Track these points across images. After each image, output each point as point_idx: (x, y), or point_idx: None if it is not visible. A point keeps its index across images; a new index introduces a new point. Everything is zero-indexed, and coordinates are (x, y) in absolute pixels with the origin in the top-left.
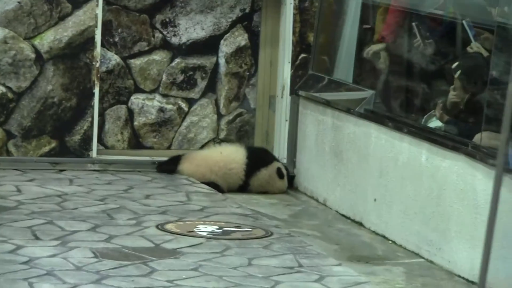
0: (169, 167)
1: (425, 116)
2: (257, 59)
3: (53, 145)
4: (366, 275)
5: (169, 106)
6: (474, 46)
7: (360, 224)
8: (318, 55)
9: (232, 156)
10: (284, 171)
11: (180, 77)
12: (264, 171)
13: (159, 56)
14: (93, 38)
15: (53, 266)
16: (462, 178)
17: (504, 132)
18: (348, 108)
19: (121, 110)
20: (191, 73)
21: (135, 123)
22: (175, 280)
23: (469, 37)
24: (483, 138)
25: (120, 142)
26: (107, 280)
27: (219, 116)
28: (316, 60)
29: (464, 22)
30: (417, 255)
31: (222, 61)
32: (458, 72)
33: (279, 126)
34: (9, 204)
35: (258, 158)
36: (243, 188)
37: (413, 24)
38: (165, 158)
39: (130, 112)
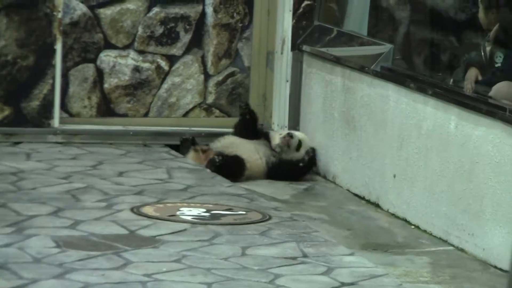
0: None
1: (453, 75)
2: (252, 7)
3: (6, 112)
4: (383, 266)
5: (146, 65)
6: None
7: (376, 205)
8: (325, 2)
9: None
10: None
11: (159, 30)
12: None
13: (133, 4)
14: None
15: (6, 258)
16: (499, 149)
17: None
18: (361, 66)
19: (89, 70)
20: (173, 24)
21: (105, 85)
22: (154, 274)
23: None
24: None
25: (87, 109)
26: (72, 274)
27: (207, 76)
28: (323, 8)
29: None
30: (445, 242)
31: (209, 10)
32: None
33: (278, 88)
34: None
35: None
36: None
37: None
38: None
39: (99, 73)
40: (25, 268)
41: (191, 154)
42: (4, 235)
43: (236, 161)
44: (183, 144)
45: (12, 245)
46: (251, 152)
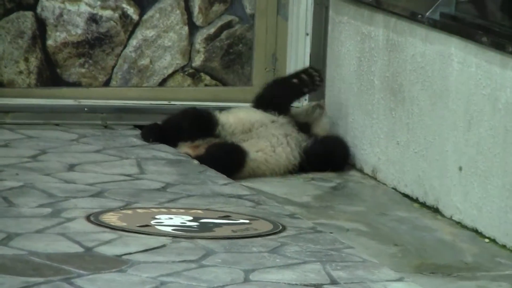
0: None
1: None
2: None
3: None
4: None
5: (107, 13)
6: None
7: (435, 210)
8: None
9: None
10: None
11: None
12: None
13: None
14: None
15: None
16: None
17: None
18: (412, 13)
19: (25, 20)
20: None
21: (49, 42)
22: None
23: None
24: None
25: (24, 76)
26: None
27: (192, 28)
28: None
29: None
30: None
31: None
32: None
33: (295, 45)
34: None
35: None
36: None
37: None
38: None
39: (41, 24)
40: None
41: (183, 149)
42: None
43: (233, 150)
44: (148, 133)
45: None
46: (275, 139)
